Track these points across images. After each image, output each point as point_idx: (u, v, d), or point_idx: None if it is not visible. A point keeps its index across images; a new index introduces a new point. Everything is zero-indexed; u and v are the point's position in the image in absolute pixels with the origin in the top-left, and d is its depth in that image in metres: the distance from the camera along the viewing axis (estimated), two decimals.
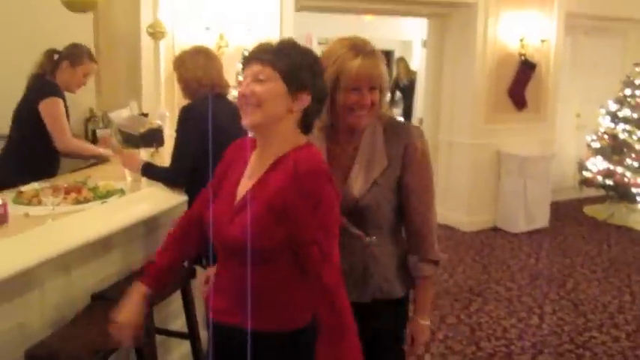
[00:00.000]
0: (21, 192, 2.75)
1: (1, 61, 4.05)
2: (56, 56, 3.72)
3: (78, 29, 4.37)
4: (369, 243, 2.00)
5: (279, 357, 1.74)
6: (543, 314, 4.55)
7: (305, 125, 1.75)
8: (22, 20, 4.31)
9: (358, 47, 1.92)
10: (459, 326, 4.29)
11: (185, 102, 3.23)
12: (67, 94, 3.71)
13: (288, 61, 1.67)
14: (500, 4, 6.44)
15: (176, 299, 3.12)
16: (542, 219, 6.84)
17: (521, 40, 6.59)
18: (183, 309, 3.09)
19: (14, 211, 2.47)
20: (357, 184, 1.97)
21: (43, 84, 3.62)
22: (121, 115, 4.30)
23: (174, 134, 3.15)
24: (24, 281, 2.22)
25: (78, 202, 2.64)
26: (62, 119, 3.59)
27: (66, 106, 3.66)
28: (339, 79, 1.90)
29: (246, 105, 1.67)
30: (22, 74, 3.68)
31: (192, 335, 3.08)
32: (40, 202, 2.58)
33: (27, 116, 3.58)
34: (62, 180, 3.03)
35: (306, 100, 1.70)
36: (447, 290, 4.92)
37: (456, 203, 6.68)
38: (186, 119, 3.02)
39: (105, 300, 2.60)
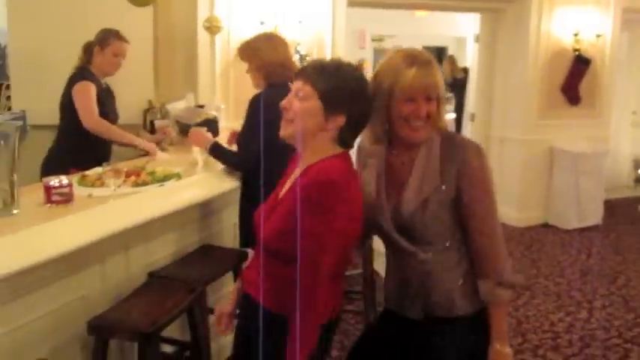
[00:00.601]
0: (85, 175, 2.92)
1: (63, 56, 4.26)
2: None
3: (137, 24, 4.56)
4: (424, 259, 1.95)
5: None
6: (592, 309, 4.52)
7: (342, 141, 1.84)
8: (83, 15, 4.50)
9: (413, 57, 1.89)
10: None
11: (245, 92, 3.28)
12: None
13: (329, 83, 1.77)
14: None
15: (229, 281, 3.25)
16: (594, 216, 6.75)
17: (576, 35, 6.52)
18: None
19: (78, 192, 2.63)
20: (408, 201, 1.93)
21: (77, 72, 3.80)
22: (178, 107, 4.46)
23: (229, 125, 3.25)
24: (86, 256, 2.37)
25: (137, 184, 2.79)
26: (89, 100, 3.69)
27: (100, 93, 3.79)
28: (394, 90, 1.87)
29: (285, 117, 1.82)
30: None
31: None
32: (102, 185, 2.74)
33: (67, 105, 3.76)
34: (122, 165, 3.19)
35: (340, 121, 1.79)
36: None
37: (507, 199, 6.65)
38: (257, 108, 3.01)
39: (160, 278, 2.76)
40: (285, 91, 2.00)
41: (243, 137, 3.16)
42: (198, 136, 3.29)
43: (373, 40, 11.36)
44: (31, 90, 4.54)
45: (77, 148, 3.75)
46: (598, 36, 6.64)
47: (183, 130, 4.28)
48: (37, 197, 2.49)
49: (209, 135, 3.31)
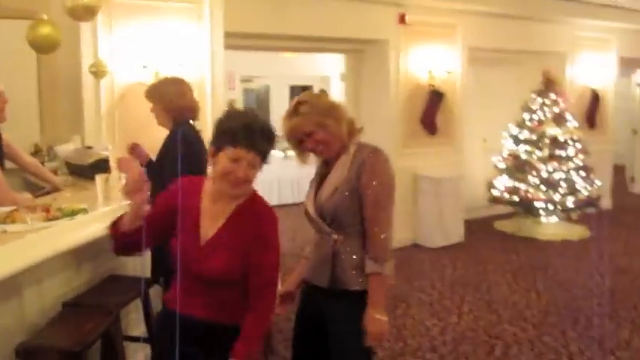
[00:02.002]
0: None
1: None
2: None
3: (21, 67, 4.66)
4: (335, 240, 2.47)
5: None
6: (461, 313, 5.08)
7: None
8: None
9: (290, 109, 2.51)
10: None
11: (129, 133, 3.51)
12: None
13: (267, 145, 2.14)
14: (410, 40, 7.10)
15: (137, 307, 3.44)
16: (457, 235, 7.45)
17: (430, 72, 7.26)
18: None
19: None
20: (324, 192, 2.49)
21: None
22: (67, 149, 4.59)
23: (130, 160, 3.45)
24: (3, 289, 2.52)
25: (48, 219, 2.95)
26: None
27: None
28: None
29: (240, 183, 2.13)
30: None
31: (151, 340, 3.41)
32: (14, 221, 2.87)
33: None
34: (31, 201, 3.32)
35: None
36: None
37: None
38: (175, 141, 3.33)
39: (74, 306, 2.93)
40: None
41: (165, 165, 3.35)
42: (128, 162, 3.46)
43: (242, 80, 11.78)
44: None
45: None
46: (449, 72, 7.42)
47: (75, 171, 4.42)
48: None
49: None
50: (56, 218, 2.98)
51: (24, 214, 2.81)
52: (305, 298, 2.67)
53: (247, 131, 2.09)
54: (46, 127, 4.81)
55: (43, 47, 3.27)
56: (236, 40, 5.98)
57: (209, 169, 2.28)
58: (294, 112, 2.48)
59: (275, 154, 10.15)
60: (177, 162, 3.10)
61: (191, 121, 3.65)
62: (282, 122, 2.52)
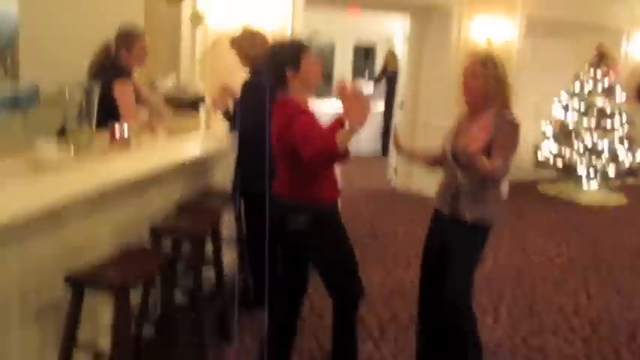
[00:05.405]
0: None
1: (63, 48, 5.02)
2: (112, 47, 4.34)
3: (130, 16, 5.40)
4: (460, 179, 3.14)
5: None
6: (496, 257, 5.74)
7: None
8: (79, 10, 5.28)
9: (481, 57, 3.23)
10: None
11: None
12: None
13: None
14: (473, 8, 7.63)
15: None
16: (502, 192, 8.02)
17: (488, 40, 7.78)
18: None
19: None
20: (462, 140, 3.13)
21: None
22: (166, 84, 5.35)
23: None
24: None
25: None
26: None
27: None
28: None
29: None
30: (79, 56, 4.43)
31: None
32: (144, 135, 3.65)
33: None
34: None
35: None
36: None
37: (428, 177, 7.81)
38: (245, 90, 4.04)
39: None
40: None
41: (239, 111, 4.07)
42: (221, 101, 4.23)
43: (308, 37, 12.42)
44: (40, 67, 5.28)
45: None
46: (506, 41, 7.92)
47: (172, 102, 5.18)
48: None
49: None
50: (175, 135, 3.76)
51: (151, 129, 3.58)
52: (433, 219, 3.35)
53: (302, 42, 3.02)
54: (147, 65, 5.55)
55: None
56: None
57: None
58: (481, 58, 3.14)
59: (337, 103, 10.76)
60: (248, 108, 3.81)
61: None
62: (470, 59, 3.19)
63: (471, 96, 3.14)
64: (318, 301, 4.20)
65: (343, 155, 2.72)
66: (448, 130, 3.31)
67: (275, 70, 2.94)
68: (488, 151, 2.94)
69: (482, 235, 3.16)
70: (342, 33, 12.58)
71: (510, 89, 3.15)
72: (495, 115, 3.06)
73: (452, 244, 3.18)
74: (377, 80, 11.62)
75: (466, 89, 3.15)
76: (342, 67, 13.28)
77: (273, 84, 2.99)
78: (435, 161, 3.41)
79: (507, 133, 3.03)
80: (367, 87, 12.61)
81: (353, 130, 2.64)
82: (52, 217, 2.60)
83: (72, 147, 3.06)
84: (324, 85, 13.10)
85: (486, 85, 3.07)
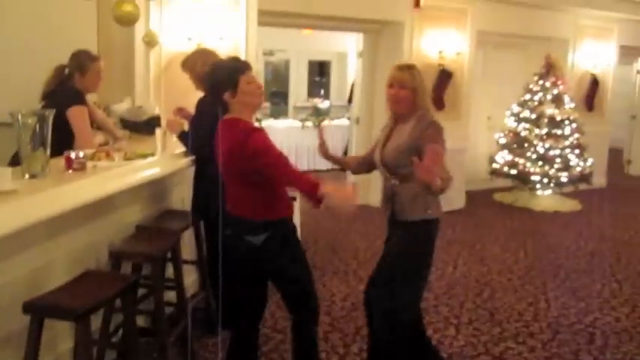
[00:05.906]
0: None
1: (15, 72, 5.01)
2: (66, 70, 4.31)
3: (82, 40, 5.37)
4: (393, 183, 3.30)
5: None
6: (456, 265, 5.84)
7: None
8: (33, 34, 5.24)
9: (404, 64, 3.42)
10: None
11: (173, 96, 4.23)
12: None
13: None
14: (423, 22, 7.79)
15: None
16: (459, 202, 8.18)
17: (440, 53, 7.94)
18: None
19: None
20: (389, 146, 3.33)
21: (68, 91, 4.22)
22: (121, 107, 5.32)
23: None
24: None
25: (127, 159, 3.69)
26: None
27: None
28: None
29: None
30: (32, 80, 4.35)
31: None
32: (100, 159, 3.61)
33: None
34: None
35: None
36: None
37: None
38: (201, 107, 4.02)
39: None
40: None
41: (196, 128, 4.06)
42: (176, 123, 4.20)
43: (264, 54, 12.48)
44: None
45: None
46: (458, 54, 8.09)
47: (129, 126, 5.15)
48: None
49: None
50: (131, 159, 3.74)
51: (107, 154, 3.55)
52: (387, 227, 3.48)
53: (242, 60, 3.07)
54: (102, 89, 5.50)
55: (124, 22, 3.95)
56: (265, 18, 6.67)
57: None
58: (407, 68, 3.28)
59: (293, 123, 10.84)
60: (202, 126, 3.77)
61: None
62: (393, 68, 3.31)
63: (400, 105, 3.26)
64: (282, 319, 4.20)
65: (317, 200, 2.82)
66: (376, 139, 3.52)
67: (212, 92, 2.96)
68: (416, 153, 3.03)
69: (430, 229, 3.28)
70: (296, 49, 12.66)
71: (429, 96, 3.39)
72: (419, 118, 3.22)
73: (397, 245, 3.31)
74: (349, 101, 11.70)
75: (395, 99, 3.26)
76: (297, 83, 13.34)
77: (214, 106, 2.99)
78: (360, 167, 3.73)
79: (435, 133, 3.16)
80: (324, 104, 12.74)
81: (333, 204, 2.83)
82: (8, 244, 2.56)
83: (26, 173, 3.02)
84: (282, 104, 13.19)
85: (414, 94, 3.22)
